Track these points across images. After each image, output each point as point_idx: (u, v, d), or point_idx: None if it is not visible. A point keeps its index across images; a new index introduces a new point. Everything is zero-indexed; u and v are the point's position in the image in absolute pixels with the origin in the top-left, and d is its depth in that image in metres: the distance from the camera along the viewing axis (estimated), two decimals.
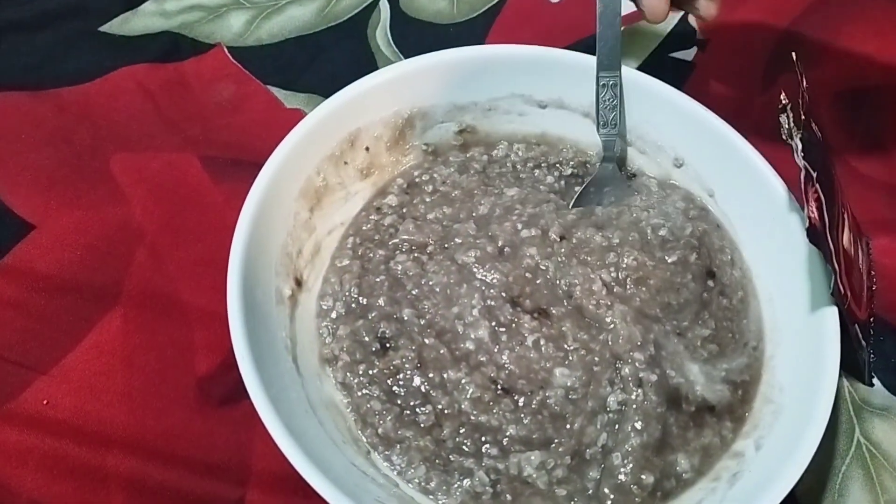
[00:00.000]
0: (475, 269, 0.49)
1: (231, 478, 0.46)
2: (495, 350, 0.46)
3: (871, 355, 0.51)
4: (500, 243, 0.50)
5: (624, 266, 0.48)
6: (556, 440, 0.44)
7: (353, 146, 0.53)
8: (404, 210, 0.53)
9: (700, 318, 0.48)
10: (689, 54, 0.65)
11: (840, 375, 0.50)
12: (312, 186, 0.51)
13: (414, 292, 0.49)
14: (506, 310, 0.47)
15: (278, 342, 0.46)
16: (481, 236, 0.50)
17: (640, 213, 0.51)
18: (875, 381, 0.50)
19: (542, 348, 0.46)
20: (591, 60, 0.53)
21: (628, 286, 0.48)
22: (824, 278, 0.45)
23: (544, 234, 0.50)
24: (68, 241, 0.54)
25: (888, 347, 0.52)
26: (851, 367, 0.50)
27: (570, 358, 0.46)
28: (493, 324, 0.47)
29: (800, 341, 0.46)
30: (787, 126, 0.43)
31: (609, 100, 0.53)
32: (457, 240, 0.50)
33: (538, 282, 0.48)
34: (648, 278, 0.48)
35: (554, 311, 0.47)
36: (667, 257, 0.49)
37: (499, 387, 0.46)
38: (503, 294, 0.48)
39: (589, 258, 0.49)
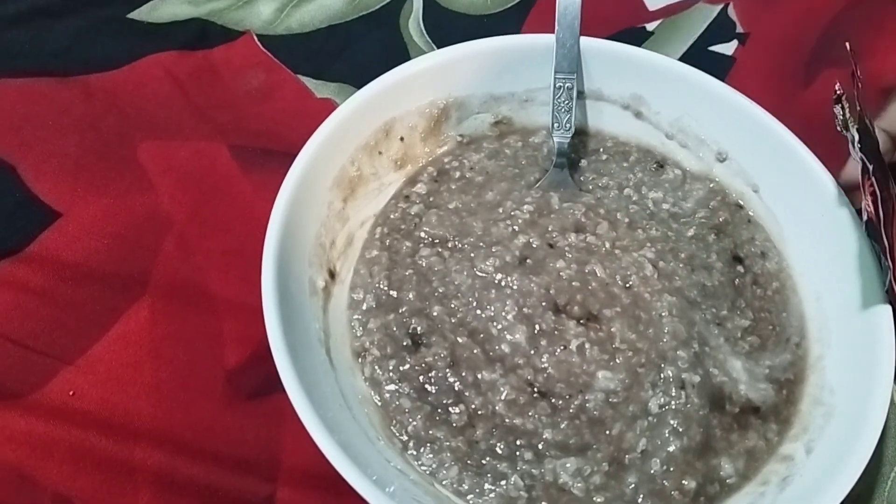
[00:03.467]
0: (496, 277, 0.47)
1: (261, 473, 0.45)
2: (532, 353, 0.45)
3: None
4: (517, 253, 0.48)
5: (655, 236, 0.48)
6: (593, 446, 0.43)
7: (388, 136, 0.52)
8: (431, 199, 0.51)
9: (737, 307, 0.48)
10: (729, 48, 0.63)
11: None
12: (347, 176, 0.50)
13: (440, 290, 0.47)
14: (548, 317, 0.46)
15: (312, 334, 0.45)
16: (494, 242, 0.48)
17: (631, 193, 0.51)
18: None
19: (587, 352, 0.45)
20: (632, 51, 0.52)
21: (669, 259, 0.47)
22: (877, 276, 0.43)
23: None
24: (95, 229, 0.53)
25: None
26: None
27: (616, 360, 0.45)
28: (533, 329, 0.45)
29: (852, 341, 0.44)
30: (841, 117, 0.41)
31: (564, 102, 0.52)
32: (469, 238, 0.49)
33: (591, 286, 0.47)
34: (678, 251, 0.48)
35: (606, 313, 0.46)
36: (684, 231, 0.49)
37: (535, 390, 0.44)
38: (543, 303, 0.46)
39: (623, 242, 0.48)
